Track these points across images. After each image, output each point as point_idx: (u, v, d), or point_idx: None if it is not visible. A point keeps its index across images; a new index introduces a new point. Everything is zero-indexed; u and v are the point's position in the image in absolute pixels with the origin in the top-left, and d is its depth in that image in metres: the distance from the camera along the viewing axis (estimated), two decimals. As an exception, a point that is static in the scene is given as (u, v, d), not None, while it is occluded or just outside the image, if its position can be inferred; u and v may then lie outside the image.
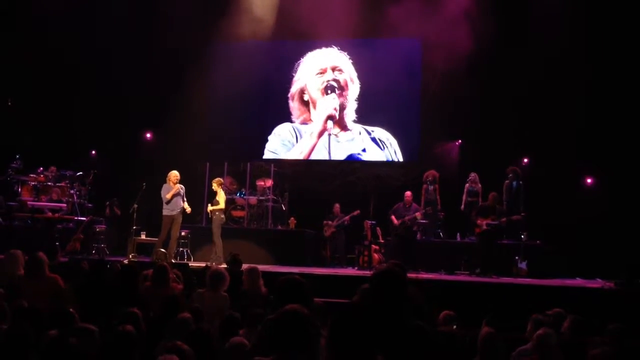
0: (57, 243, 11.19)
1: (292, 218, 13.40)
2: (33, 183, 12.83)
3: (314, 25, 12.86)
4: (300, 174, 13.97)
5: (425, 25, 12.47)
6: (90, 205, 13.30)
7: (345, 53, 13.91)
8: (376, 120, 13.67)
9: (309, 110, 14.05)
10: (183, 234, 11.68)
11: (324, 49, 14.08)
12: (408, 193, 11.60)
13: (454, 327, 5.54)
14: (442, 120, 12.88)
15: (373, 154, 13.69)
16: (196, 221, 12.99)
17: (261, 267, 7.00)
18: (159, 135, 14.93)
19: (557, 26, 11.64)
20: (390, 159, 13.65)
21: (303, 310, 2.80)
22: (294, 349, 2.70)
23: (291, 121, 14.15)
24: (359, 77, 13.86)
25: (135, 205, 11.29)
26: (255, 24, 13.75)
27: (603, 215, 11.72)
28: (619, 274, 9.13)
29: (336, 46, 14.00)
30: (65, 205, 12.62)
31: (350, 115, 13.80)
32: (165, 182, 10.95)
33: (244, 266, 7.12)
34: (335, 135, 13.84)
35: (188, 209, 11.01)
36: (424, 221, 11.56)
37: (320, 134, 13.86)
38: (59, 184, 12.93)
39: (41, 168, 13.10)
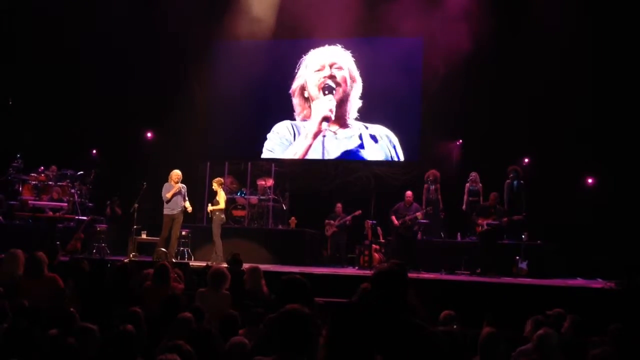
0: (57, 242, 11.22)
1: (293, 217, 13.41)
2: (34, 182, 12.83)
3: (315, 25, 12.88)
4: (301, 174, 13.97)
5: (427, 25, 12.48)
6: (91, 204, 13.31)
7: (350, 51, 13.90)
8: (377, 119, 13.67)
9: (309, 107, 14.07)
10: (184, 233, 11.68)
11: (327, 47, 14.07)
12: (409, 193, 11.60)
13: (454, 326, 5.54)
14: (443, 119, 12.87)
15: (370, 151, 13.68)
16: (197, 221, 12.99)
17: (262, 267, 7.01)
18: (160, 135, 14.93)
19: (558, 25, 11.63)
20: (389, 154, 13.63)
21: (304, 310, 2.80)
22: (295, 348, 2.70)
23: (292, 119, 14.15)
24: (360, 76, 13.86)
25: (136, 205, 11.28)
26: (256, 24, 13.76)
27: (604, 215, 11.72)
28: (619, 274, 9.11)
29: (339, 44, 14.00)
30: (66, 204, 12.62)
31: (352, 113, 13.79)
32: (166, 181, 10.94)
33: (246, 266, 7.13)
34: (334, 132, 13.84)
35: (189, 209, 11.00)
36: (425, 221, 11.55)
37: (316, 135, 13.86)
38: (60, 183, 12.93)
39: (42, 167, 13.11)
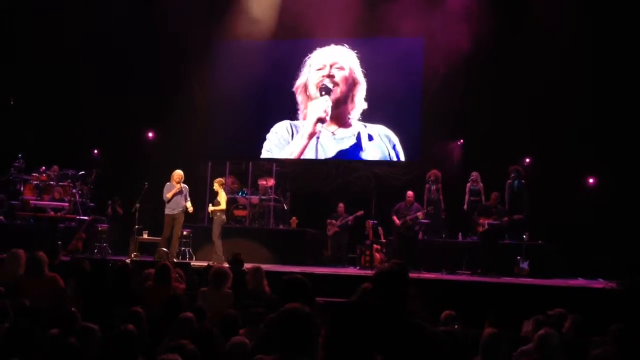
0: (59, 242, 11.24)
1: (294, 217, 13.41)
2: (35, 182, 12.84)
3: (315, 25, 12.88)
4: (302, 174, 13.97)
5: (427, 25, 12.47)
6: (92, 204, 13.32)
7: (356, 52, 13.88)
8: (377, 119, 13.68)
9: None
10: (185, 233, 11.68)
11: (332, 46, 14.07)
12: (410, 193, 11.60)
13: (455, 326, 5.55)
14: (444, 119, 12.87)
15: (366, 150, 13.67)
16: (198, 221, 12.99)
17: (263, 267, 7.00)
18: (161, 135, 14.94)
19: (558, 25, 11.63)
20: (387, 154, 13.62)
21: (305, 309, 2.80)
22: (296, 347, 2.70)
23: (293, 118, 14.14)
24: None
25: (138, 205, 11.29)
26: (256, 24, 13.76)
27: (605, 215, 11.71)
28: (621, 274, 9.11)
29: (338, 44, 13.99)
30: (67, 204, 12.63)
31: (353, 114, 13.79)
32: (168, 180, 10.94)
33: (249, 266, 7.12)
34: (332, 133, 13.83)
35: (190, 209, 10.99)
36: (426, 221, 11.55)
37: (311, 136, 13.87)
38: (61, 183, 12.94)
39: (43, 167, 13.11)
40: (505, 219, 10.94)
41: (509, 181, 11.63)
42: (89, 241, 12.13)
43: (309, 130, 13.88)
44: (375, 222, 12.45)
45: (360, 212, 12.56)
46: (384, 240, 12.30)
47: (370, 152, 13.72)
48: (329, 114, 13.74)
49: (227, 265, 7.87)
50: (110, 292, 5.89)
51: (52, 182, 12.88)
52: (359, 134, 13.75)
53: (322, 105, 13.76)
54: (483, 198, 11.88)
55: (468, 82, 12.52)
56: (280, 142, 14.18)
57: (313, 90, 13.97)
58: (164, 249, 10.62)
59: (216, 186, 11.48)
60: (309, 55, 14.16)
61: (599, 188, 12.72)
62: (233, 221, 13.09)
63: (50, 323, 4.31)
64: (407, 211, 11.39)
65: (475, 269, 10.84)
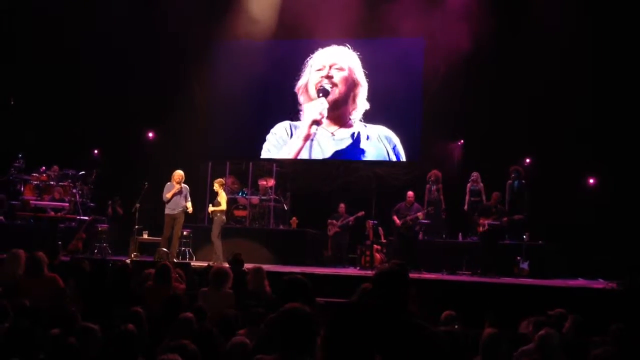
0: (59, 242, 11.23)
1: (294, 218, 13.41)
2: (35, 182, 12.84)
3: (315, 25, 12.89)
4: (302, 174, 13.96)
5: (427, 25, 12.47)
6: (92, 204, 13.32)
7: (358, 53, 13.87)
8: (378, 119, 13.67)
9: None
10: (185, 233, 11.68)
11: (333, 47, 14.06)
12: (410, 193, 11.59)
13: (456, 326, 5.55)
14: (444, 119, 12.87)
15: (364, 150, 13.66)
16: (198, 221, 12.99)
17: (263, 267, 7.00)
18: (161, 135, 14.94)
19: (558, 25, 11.63)
20: (385, 154, 13.61)
21: (305, 309, 2.80)
22: (296, 347, 2.70)
23: (293, 119, 14.14)
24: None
25: (138, 205, 11.29)
26: (257, 24, 13.77)
27: (605, 215, 11.71)
28: (621, 274, 9.11)
29: (340, 44, 13.99)
30: (67, 204, 12.62)
31: (354, 114, 13.78)
32: (168, 180, 10.93)
33: (250, 266, 7.12)
34: (332, 133, 13.83)
35: (189, 209, 10.98)
36: (426, 221, 11.55)
37: (306, 139, 13.87)
38: (62, 183, 12.93)
39: (43, 167, 13.11)
40: (505, 219, 10.94)
41: (509, 181, 11.63)
42: (89, 241, 12.13)
43: (304, 132, 13.88)
44: (376, 222, 12.45)
45: (361, 213, 12.55)
46: (384, 241, 12.30)
47: (368, 153, 13.71)
48: (324, 116, 13.74)
49: (227, 265, 7.86)
50: (110, 292, 5.88)
51: (52, 182, 12.88)
52: (356, 134, 13.74)
53: (318, 108, 13.76)
54: (484, 198, 11.88)
55: (468, 82, 12.52)
56: (278, 143, 14.18)
57: (312, 91, 13.97)
58: (164, 249, 10.62)
59: (216, 186, 11.47)
60: (311, 55, 14.16)
61: (599, 188, 12.73)
62: (233, 221, 13.09)
63: (51, 323, 4.31)
64: (407, 211, 11.39)
65: (475, 269, 10.84)
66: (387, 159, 13.67)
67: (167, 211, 10.80)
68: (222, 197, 11.33)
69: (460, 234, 12.25)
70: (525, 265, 10.75)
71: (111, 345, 3.87)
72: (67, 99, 14.30)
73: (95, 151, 15.01)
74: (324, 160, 13.95)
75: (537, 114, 12.27)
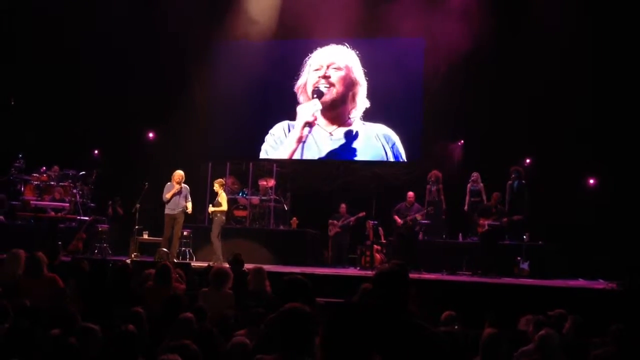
0: (59, 242, 11.22)
1: (295, 218, 13.41)
2: (36, 182, 12.84)
3: (315, 25, 12.89)
4: (302, 174, 13.96)
5: (427, 25, 12.47)
6: (92, 204, 13.31)
7: (357, 51, 13.86)
8: (378, 119, 13.67)
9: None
10: (185, 233, 11.68)
11: (331, 46, 14.05)
12: (410, 193, 11.60)
13: (456, 327, 5.55)
14: (444, 119, 12.88)
15: (362, 150, 13.66)
16: (198, 221, 12.99)
17: (263, 267, 6.99)
18: (162, 135, 14.94)
19: (558, 25, 11.63)
20: (384, 154, 13.61)
21: (304, 309, 2.80)
22: (296, 347, 2.70)
23: (293, 118, 14.14)
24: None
25: (138, 205, 11.29)
26: (257, 24, 13.77)
27: (605, 215, 11.72)
28: (621, 274, 9.11)
29: (340, 44, 13.98)
30: (67, 204, 12.62)
31: (353, 114, 13.77)
32: (169, 180, 10.93)
33: (250, 266, 7.12)
34: (330, 133, 13.82)
35: (189, 210, 10.98)
36: (426, 221, 11.55)
37: (298, 141, 13.86)
38: (62, 184, 12.93)
39: (44, 167, 13.11)
40: (505, 219, 10.94)
41: (509, 182, 11.62)
42: (89, 241, 12.13)
43: (297, 134, 13.87)
44: (376, 222, 12.45)
45: (362, 213, 12.56)
46: (385, 241, 12.30)
47: (361, 152, 13.69)
48: (317, 117, 13.73)
49: (228, 265, 7.86)
50: (110, 293, 5.88)
51: (52, 183, 12.88)
52: (353, 132, 13.70)
53: (310, 110, 13.75)
54: (484, 198, 11.88)
55: (468, 82, 12.52)
56: (276, 144, 14.19)
57: (310, 91, 13.97)
58: (165, 249, 10.62)
59: (216, 187, 11.47)
60: (310, 55, 14.16)
61: (599, 188, 12.73)
62: (233, 222, 13.09)
63: (51, 323, 4.30)
64: (407, 212, 11.39)
65: (475, 270, 10.84)
66: (385, 158, 13.65)
67: (167, 211, 10.80)
68: (223, 198, 11.33)
69: (460, 234, 12.25)
70: (525, 266, 10.75)
71: (111, 346, 3.88)
72: (67, 99, 14.30)
73: (96, 151, 15.01)
74: (324, 161, 13.95)
75: (537, 114, 12.27)
